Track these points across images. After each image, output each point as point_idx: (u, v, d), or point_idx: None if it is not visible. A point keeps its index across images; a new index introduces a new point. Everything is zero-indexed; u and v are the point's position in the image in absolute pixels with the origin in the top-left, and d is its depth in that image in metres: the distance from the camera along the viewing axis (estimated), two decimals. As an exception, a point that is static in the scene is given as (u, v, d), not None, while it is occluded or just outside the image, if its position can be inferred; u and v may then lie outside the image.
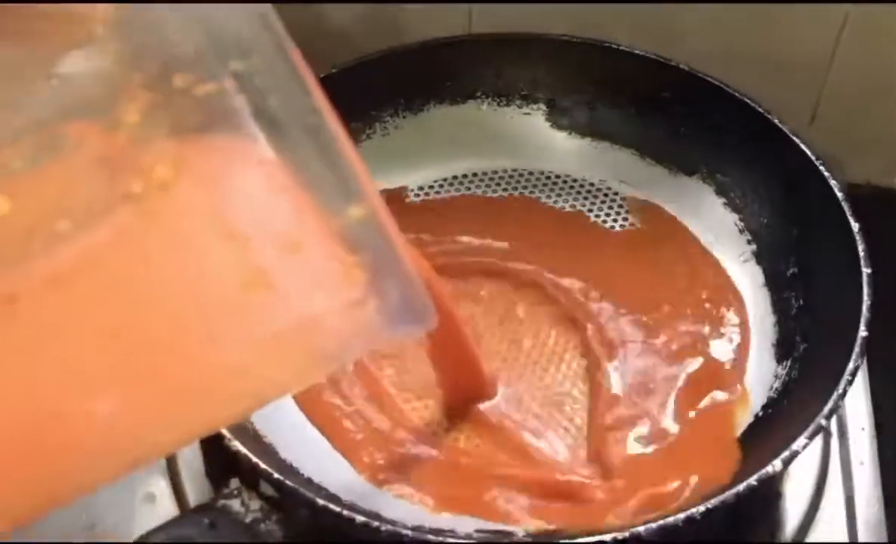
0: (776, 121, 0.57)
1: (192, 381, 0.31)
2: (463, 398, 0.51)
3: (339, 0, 0.69)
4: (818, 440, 0.53)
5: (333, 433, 0.50)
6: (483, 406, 0.51)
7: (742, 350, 0.54)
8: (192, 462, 0.52)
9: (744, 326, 0.55)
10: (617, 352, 0.53)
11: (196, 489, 0.51)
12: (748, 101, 0.58)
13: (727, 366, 0.53)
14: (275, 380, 0.33)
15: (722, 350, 0.54)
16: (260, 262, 0.30)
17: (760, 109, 0.58)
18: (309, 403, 0.51)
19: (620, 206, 0.62)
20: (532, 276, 0.57)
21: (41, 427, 0.29)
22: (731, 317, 0.55)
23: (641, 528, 0.41)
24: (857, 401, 0.55)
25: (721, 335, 0.55)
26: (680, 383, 0.52)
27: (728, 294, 0.57)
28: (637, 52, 0.62)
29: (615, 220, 0.61)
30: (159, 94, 0.28)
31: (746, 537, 0.51)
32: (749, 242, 0.59)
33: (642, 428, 0.50)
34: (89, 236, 0.28)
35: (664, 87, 0.62)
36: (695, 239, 0.60)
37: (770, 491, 0.51)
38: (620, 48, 0.62)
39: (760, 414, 0.51)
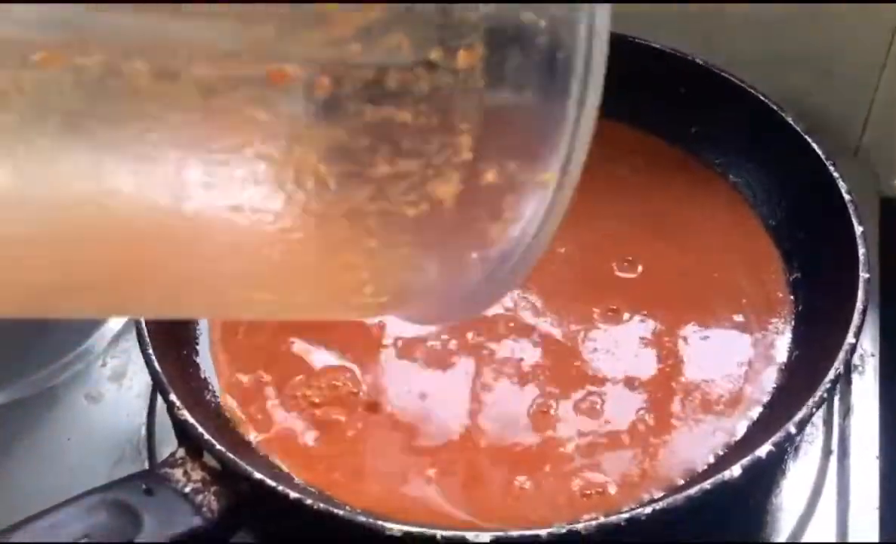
0: (789, 118, 0.54)
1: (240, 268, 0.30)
2: None
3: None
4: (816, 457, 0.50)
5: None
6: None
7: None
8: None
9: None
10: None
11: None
12: (761, 96, 0.56)
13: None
14: (298, 299, 0.32)
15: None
16: None
17: (772, 105, 0.55)
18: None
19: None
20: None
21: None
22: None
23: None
24: (867, 418, 0.52)
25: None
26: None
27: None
28: (653, 44, 0.60)
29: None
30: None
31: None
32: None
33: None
34: None
35: (680, 81, 0.59)
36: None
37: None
38: (636, 40, 0.60)
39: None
